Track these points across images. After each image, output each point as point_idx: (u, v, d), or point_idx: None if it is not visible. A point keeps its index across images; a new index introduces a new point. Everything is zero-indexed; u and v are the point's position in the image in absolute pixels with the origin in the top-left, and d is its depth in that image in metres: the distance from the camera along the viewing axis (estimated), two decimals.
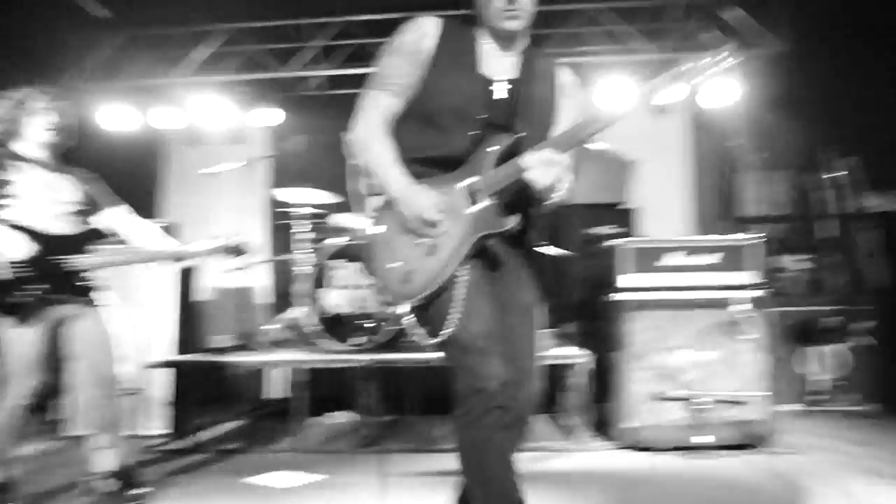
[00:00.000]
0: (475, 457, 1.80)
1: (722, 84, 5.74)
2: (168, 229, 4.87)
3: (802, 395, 4.87)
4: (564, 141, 1.88)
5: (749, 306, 3.84)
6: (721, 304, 3.86)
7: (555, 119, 2.07)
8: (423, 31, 1.99)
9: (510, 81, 2.01)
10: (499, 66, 2.02)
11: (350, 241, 4.65)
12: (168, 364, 4.27)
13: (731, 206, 6.23)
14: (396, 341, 4.51)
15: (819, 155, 5.63)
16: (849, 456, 3.58)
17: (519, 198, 1.94)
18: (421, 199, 1.88)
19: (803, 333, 4.99)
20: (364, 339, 4.31)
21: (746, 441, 3.70)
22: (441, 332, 1.81)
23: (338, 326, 4.41)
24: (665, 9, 5.70)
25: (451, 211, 1.90)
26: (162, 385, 4.37)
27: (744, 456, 3.61)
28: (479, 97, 1.97)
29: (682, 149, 6.21)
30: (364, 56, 6.28)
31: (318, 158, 6.40)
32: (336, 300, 4.48)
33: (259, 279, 5.88)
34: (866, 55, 6.14)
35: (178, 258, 3.16)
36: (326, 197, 5.06)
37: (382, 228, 1.98)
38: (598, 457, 3.74)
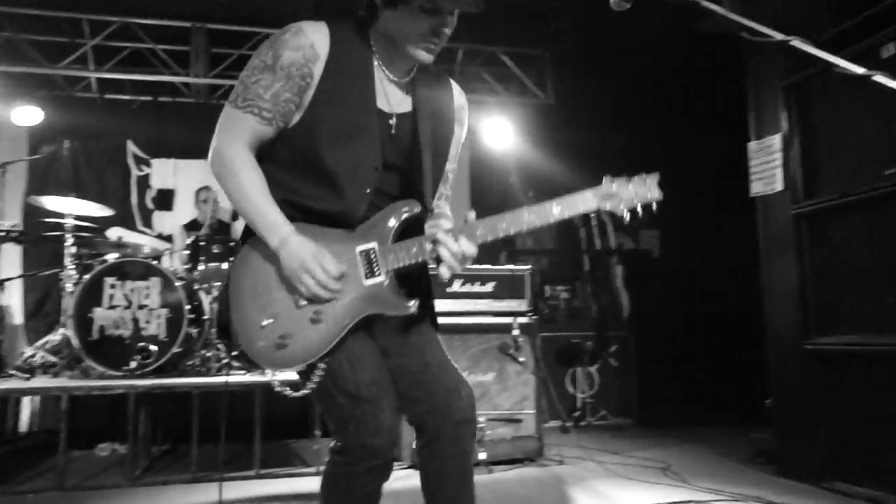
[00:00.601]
0: None
1: (499, 126, 6.28)
2: None
3: (567, 411, 5.43)
4: (482, 234, 1.68)
5: (520, 331, 4.20)
6: (495, 329, 4.18)
7: (449, 153, 1.89)
8: (314, 53, 1.64)
9: (407, 116, 1.77)
10: (395, 97, 1.76)
11: (123, 257, 4.33)
12: None
13: (507, 238, 6.77)
14: (174, 365, 4.27)
15: None
16: (601, 463, 4.06)
17: (420, 277, 1.79)
18: (325, 262, 1.60)
19: (565, 356, 5.58)
20: (136, 364, 4.02)
21: (520, 456, 4.04)
22: (314, 384, 1.64)
23: (108, 349, 4.07)
24: (455, 50, 6.12)
25: (346, 278, 1.65)
26: None
27: (517, 469, 3.94)
28: (376, 139, 1.70)
29: (458, 182, 6.62)
30: (143, 61, 5.93)
31: (88, 166, 5.91)
32: (107, 321, 4.13)
33: (13, 296, 5.21)
34: (616, 111, 7.08)
35: None
36: (96, 209, 4.68)
37: (251, 271, 1.67)
38: None
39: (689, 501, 3.17)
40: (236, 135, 1.65)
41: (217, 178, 1.67)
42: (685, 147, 7.04)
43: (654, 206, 1.75)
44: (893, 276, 3.10)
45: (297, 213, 1.66)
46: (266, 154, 1.70)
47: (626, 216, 1.74)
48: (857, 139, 3.31)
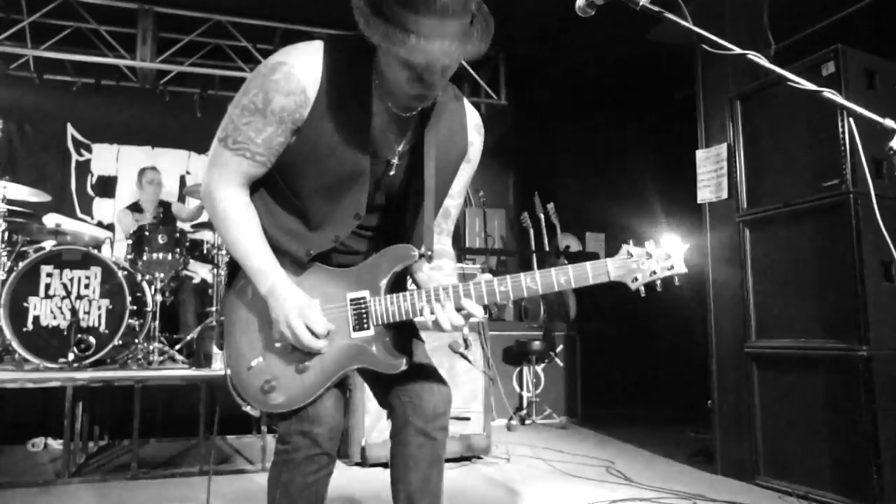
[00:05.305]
0: (286, 499, 1.64)
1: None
2: None
3: (513, 409, 5.48)
4: (482, 296, 1.55)
5: (469, 330, 4.22)
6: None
7: (453, 189, 1.80)
8: (304, 98, 1.52)
9: (409, 152, 1.67)
10: (398, 131, 1.64)
11: (61, 245, 4.17)
12: None
13: (456, 237, 6.80)
14: (113, 357, 4.14)
15: (531, 198, 6.42)
16: (547, 461, 4.11)
17: (410, 333, 1.73)
18: (311, 321, 1.56)
19: (513, 355, 5.63)
20: (74, 356, 3.88)
21: (468, 453, 4.05)
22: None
23: (43, 340, 3.92)
24: None
25: (334, 327, 1.61)
26: None
27: (465, 467, 3.96)
28: (364, 187, 1.61)
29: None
30: (85, 42, 5.71)
31: (23, 149, 5.67)
32: (43, 311, 3.98)
33: None
34: (567, 115, 7.18)
35: None
36: (31, 193, 4.50)
37: (245, 303, 1.66)
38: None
39: (633, 499, 3.25)
40: (229, 177, 1.60)
41: (209, 214, 1.67)
42: (634, 152, 7.21)
43: (676, 280, 1.53)
44: (826, 283, 3.24)
45: (273, 245, 1.62)
46: (259, 182, 1.66)
47: (642, 290, 1.55)
48: (797, 151, 3.44)
